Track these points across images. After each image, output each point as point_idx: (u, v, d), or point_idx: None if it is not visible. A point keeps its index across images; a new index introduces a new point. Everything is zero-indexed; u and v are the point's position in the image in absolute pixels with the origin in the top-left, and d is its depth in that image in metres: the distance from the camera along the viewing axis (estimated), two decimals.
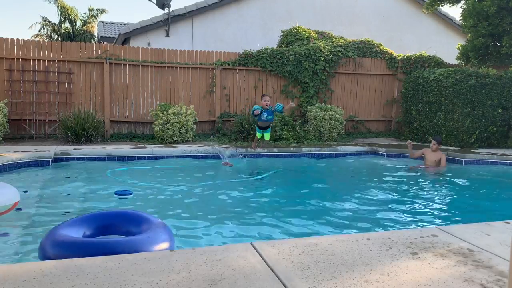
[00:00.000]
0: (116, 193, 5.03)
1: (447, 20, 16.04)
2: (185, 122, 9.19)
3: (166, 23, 12.58)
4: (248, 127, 9.76)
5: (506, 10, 9.87)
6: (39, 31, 25.25)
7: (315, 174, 7.61)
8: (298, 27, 12.46)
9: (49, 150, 7.23)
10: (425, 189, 6.13)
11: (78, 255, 2.30)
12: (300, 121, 10.99)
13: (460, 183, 6.69)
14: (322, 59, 11.22)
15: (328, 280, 1.97)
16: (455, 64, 12.02)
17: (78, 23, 25.20)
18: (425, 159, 7.80)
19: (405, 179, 6.89)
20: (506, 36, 9.97)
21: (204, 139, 9.89)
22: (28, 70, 9.20)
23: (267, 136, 8.05)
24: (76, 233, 2.74)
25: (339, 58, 11.62)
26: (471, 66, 10.98)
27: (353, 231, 3.94)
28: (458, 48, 11.53)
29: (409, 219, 4.58)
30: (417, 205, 5.20)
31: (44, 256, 2.50)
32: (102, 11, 25.64)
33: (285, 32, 12.64)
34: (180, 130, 9.16)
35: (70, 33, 24.68)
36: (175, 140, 9.13)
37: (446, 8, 20.29)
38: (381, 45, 12.42)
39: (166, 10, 12.51)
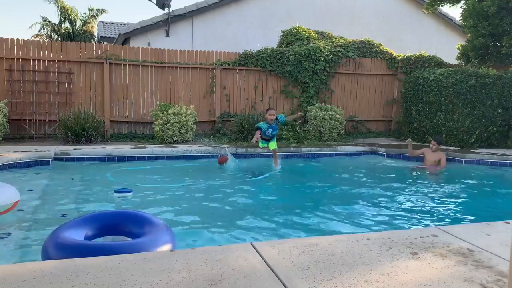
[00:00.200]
0: (116, 192, 5.03)
1: (447, 20, 16.04)
2: (185, 122, 9.19)
3: (166, 23, 12.58)
4: (248, 127, 9.76)
5: (506, 10, 9.87)
6: (39, 31, 25.25)
7: (315, 174, 7.61)
8: (298, 27, 12.46)
9: (49, 150, 7.23)
10: (425, 189, 6.13)
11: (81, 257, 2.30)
12: (300, 121, 10.99)
13: (460, 183, 6.69)
14: (322, 59, 11.22)
15: (328, 280, 1.97)
16: (455, 64, 12.02)
17: (78, 23, 25.19)
18: (425, 159, 7.80)
19: (405, 179, 6.90)
20: (506, 36, 9.98)
21: (204, 139, 9.89)
22: (28, 70, 9.20)
23: (272, 145, 7.47)
24: (78, 234, 2.74)
25: (339, 58, 11.62)
26: (471, 66, 10.98)
27: (353, 231, 3.94)
28: (458, 48, 11.53)
29: (409, 219, 4.58)
30: (417, 205, 5.20)
31: (48, 259, 2.50)
32: (102, 11, 25.63)
33: (285, 32, 12.65)
34: (180, 130, 9.16)
35: (70, 33, 24.67)
36: (175, 140, 9.13)
37: (446, 8, 20.29)
38: (381, 45, 12.43)
39: (166, 10, 12.51)
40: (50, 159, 6.97)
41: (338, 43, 11.96)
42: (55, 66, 9.42)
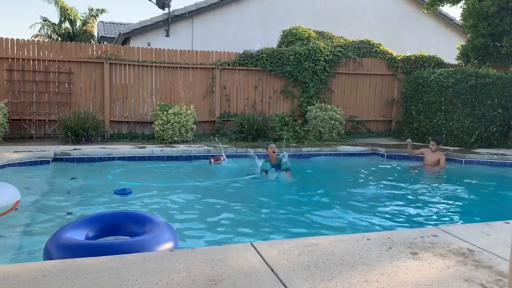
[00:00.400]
0: (115, 192, 5.03)
1: (447, 20, 16.03)
2: (185, 122, 9.19)
3: (166, 23, 12.58)
4: (248, 127, 9.77)
5: (506, 10, 9.87)
6: (39, 31, 25.23)
7: (315, 174, 7.61)
8: (298, 27, 12.46)
9: (49, 150, 7.23)
10: (425, 189, 6.13)
11: (83, 257, 2.31)
12: (300, 121, 10.99)
13: (460, 183, 6.68)
14: (322, 59, 11.22)
15: (328, 280, 1.97)
16: (455, 64, 12.02)
17: (78, 23, 25.17)
18: (424, 159, 7.80)
19: (405, 179, 6.89)
20: (506, 36, 9.98)
21: (204, 139, 9.89)
22: (28, 70, 9.20)
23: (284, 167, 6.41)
24: (79, 235, 2.74)
25: (339, 58, 11.62)
26: (471, 66, 10.98)
27: (353, 231, 3.94)
28: (458, 48, 11.53)
29: (409, 219, 4.58)
30: (417, 205, 5.20)
31: (50, 259, 2.50)
32: (102, 11, 25.61)
33: (285, 32, 12.65)
34: (180, 130, 9.16)
35: (70, 33, 24.65)
36: (175, 140, 9.13)
37: (446, 8, 20.27)
38: (381, 45, 12.43)
39: (166, 10, 12.50)
40: (50, 159, 6.97)
41: (338, 43, 11.96)
42: (55, 66, 9.41)
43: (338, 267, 2.12)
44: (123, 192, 5.03)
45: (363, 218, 4.50)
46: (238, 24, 13.57)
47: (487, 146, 9.79)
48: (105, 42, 14.09)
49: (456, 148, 9.42)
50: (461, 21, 11.18)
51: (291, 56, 11.02)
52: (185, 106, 9.54)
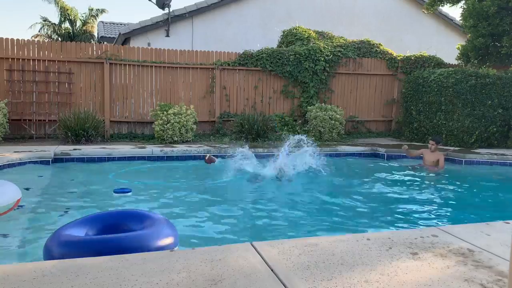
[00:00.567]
0: (115, 191, 5.04)
1: (447, 20, 16.03)
2: (185, 122, 9.19)
3: (166, 23, 12.58)
4: (248, 127, 9.77)
5: (506, 10, 9.87)
6: (39, 31, 25.23)
7: (315, 174, 7.60)
8: (298, 27, 12.46)
9: (49, 150, 7.23)
10: (425, 189, 6.13)
11: (84, 253, 2.31)
12: (300, 121, 10.99)
13: (460, 183, 6.69)
14: (322, 59, 11.22)
15: (328, 280, 1.97)
16: (455, 64, 12.02)
17: (78, 23, 25.17)
18: (423, 159, 7.79)
19: (405, 180, 6.89)
20: (506, 36, 9.98)
21: (204, 139, 9.89)
22: (28, 70, 9.20)
23: None
24: (79, 234, 2.74)
25: (339, 58, 11.62)
26: (471, 66, 10.98)
27: (353, 231, 3.94)
28: (458, 48, 11.53)
29: (409, 219, 4.58)
30: (417, 205, 5.20)
31: (50, 256, 2.49)
32: (102, 11, 25.61)
33: (285, 32, 12.65)
34: (180, 130, 9.16)
35: (70, 33, 24.65)
36: (175, 140, 9.13)
37: (446, 8, 20.26)
38: (381, 45, 12.43)
39: (166, 10, 12.50)
40: (50, 159, 6.97)
41: (338, 43, 11.96)
42: (55, 66, 9.41)
43: (338, 267, 2.12)
44: (123, 191, 5.04)
45: (363, 218, 4.50)
46: (238, 24, 13.58)
47: (487, 146, 9.79)
48: (105, 42, 14.09)
49: (456, 148, 9.42)
50: (461, 21, 11.18)
51: (291, 56, 11.02)
52: (185, 106, 9.54)
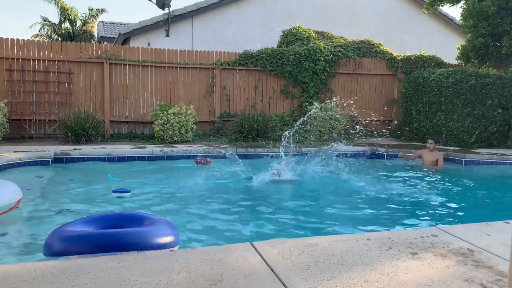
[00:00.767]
0: (114, 192, 5.03)
1: (447, 20, 16.03)
2: (185, 122, 9.19)
3: (166, 23, 12.58)
4: (248, 127, 9.76)
5: (506, 10, 9.87)
6: (39, 31, 25.23)
7: (315, 174, 7.59)
8: (298, 27, 12.46)
9: (49, 150, 7.23)
10: (425, 189, 6.13)
11: (85, 246, 2.31)
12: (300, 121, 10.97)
13: (460, 183, 6.69)
14: (322, 59, 11.22)
15: (328, 280, 1.97)
16: (455, 64, 12.02)
17: (78, 23, 25.17)
18: (423, 159, 7.79)
19: (405, 179, 6.89)
20: (506, 36, 9.98)
21: (204, 139, 9.89)
22: (28, 70, 9.21)
23: None
24: None
25: (339, 58, 11.62)
26: (471, 66, 10.98)
27: (353, 231, 3.94)
28: (458, 48, 11.53)
29: (409, 219, 4.58)
30: (417, 205, 5.20)
31: (51, 251, 2.48)
32: (102, 11, 25.61)
33: (285, 32, 12.65)
34: (180, 130, 9.16)
35: (70, 33, 24.65)
36: (175, 140, 9.13)
37: (446, 8, 20.28)
38: (381, 45, 12.43)
39: (166, 10, 12.50)
40: (50, 159, 6.97)
41: (338, 43, 11.96)
42: (55, 66, 9.42)
43: (338, 267, 2.12)
44: (122, 191, 5.03)
45: (363, 218, 4.50)
46: (238, 24, 13.58)
47: (487, 146, 9.79)
48: (105, 42, 14.09)
49: (456, 148, 9.42)
50: (461, 21, 11.18)
51: (291, 56, 11.02)
52: (185, 106, 9.54)
